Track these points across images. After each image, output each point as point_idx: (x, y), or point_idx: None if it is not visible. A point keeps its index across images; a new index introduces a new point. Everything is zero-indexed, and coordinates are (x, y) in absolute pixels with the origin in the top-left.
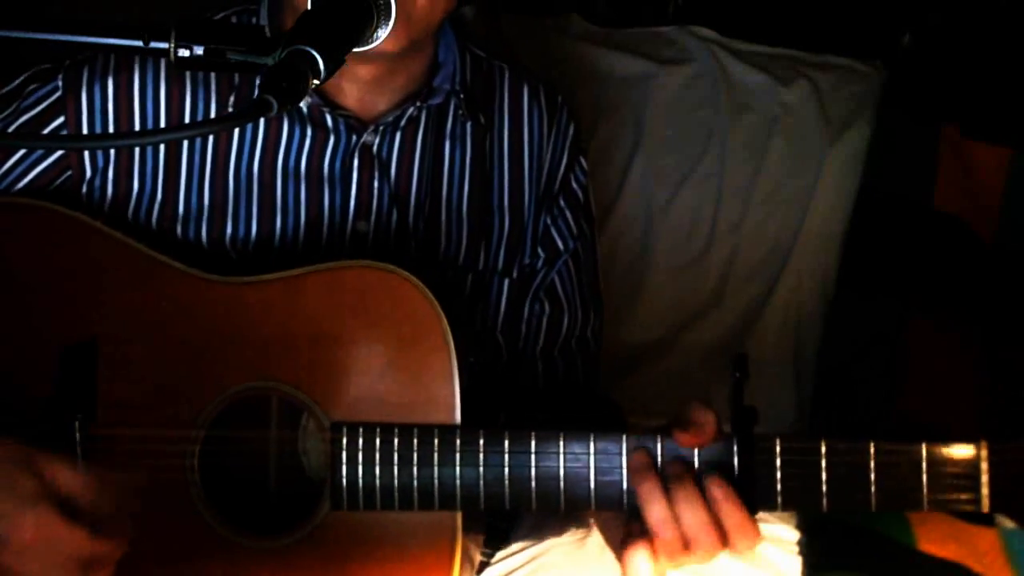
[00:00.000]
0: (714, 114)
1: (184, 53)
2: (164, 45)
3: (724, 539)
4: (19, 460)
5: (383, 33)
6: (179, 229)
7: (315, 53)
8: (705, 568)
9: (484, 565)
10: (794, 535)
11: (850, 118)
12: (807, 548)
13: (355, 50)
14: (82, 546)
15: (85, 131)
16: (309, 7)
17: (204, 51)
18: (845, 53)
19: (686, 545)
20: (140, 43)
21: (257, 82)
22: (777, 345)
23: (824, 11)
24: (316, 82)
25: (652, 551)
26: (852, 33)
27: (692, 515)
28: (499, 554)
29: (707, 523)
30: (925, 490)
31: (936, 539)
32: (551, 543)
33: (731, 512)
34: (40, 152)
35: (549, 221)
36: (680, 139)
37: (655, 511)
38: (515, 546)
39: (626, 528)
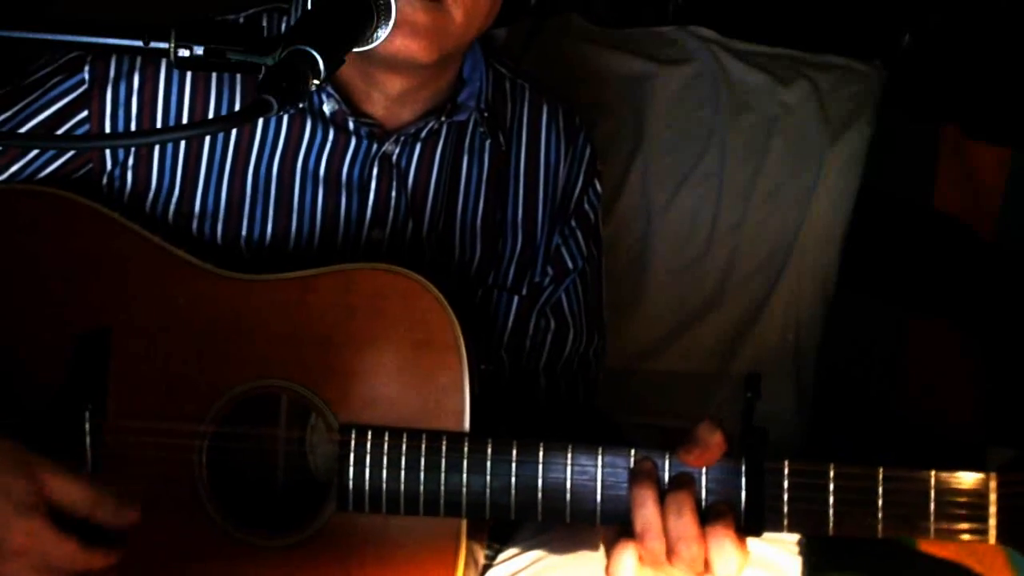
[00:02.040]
0: (714, 114)
1: (184, 53)
2: (164, 45)
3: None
4: (19, 466)
5: (383, 33)
6: (195, 225)
7: (315, 53)
8: None
9: (487, 567)
10: (794, 535)
11: (850, 118)
12: (807, 548)
13: (356, 49)
14: (72, 559)
15: (108, 127)
16: (309, 7)
17: (204, 51)
18: (845, 53)
19: (669, 555)
20: (140, 43)
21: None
22: (777, 345)
23: (824, 11)
24: (316, 82)
25: (639, 555)
26: (852, 33)
27: (678, 526)
28: (502, 556)
29: (693, 536)
30: (932, 518)
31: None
32: (554, 545)
33: (717, 531)
34: None
35: (560, 240)
36: (680, 139)
37: (641, 515)
38: (518, 547)
39: (620, 527)
